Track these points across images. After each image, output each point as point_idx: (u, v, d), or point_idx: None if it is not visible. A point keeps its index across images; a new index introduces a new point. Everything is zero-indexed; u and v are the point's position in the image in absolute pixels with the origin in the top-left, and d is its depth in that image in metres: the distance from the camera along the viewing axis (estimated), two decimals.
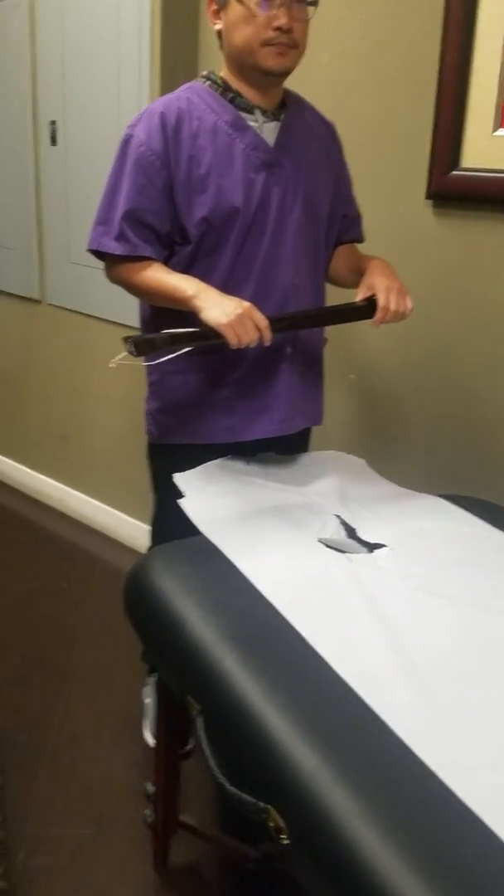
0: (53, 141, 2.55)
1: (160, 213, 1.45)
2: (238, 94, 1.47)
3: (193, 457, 1.59)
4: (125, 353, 1.38)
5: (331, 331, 1.71)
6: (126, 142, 1.46)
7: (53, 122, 2.53)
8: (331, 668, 1.04)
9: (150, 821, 1.53)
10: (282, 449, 1.68)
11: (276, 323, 1.41)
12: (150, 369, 1.64)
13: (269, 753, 0.94)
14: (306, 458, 1.72)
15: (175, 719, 1.42)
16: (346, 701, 0.98)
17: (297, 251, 1.53)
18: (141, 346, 1.40)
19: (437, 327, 1.93)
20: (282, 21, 1.36)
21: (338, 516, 1.46)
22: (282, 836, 0.91)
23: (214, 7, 1.44)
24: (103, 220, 1.48)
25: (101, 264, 1.55)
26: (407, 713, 0.97)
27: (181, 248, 1.49)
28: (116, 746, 1.85)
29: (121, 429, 2.62)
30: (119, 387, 2.58)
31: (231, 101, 1.47)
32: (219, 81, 1.49)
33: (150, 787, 1.50)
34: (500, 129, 1.74)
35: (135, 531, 2.67)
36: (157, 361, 1.43)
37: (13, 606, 2.39)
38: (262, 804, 0.94)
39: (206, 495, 1.50)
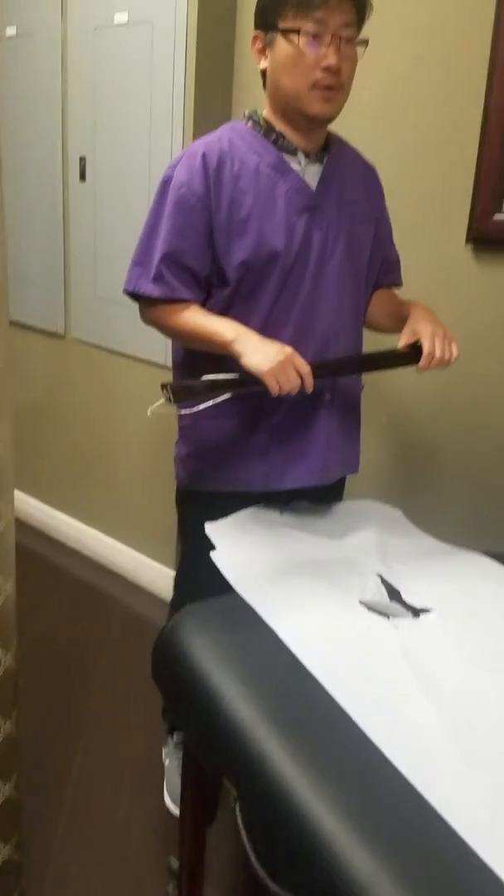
0: (83, 176, 2.53)
1: (200, 256, 1.40)
2: (281, 136, 1.43)
3: (224, 505, 1.52)
4: (162, 401, 1.32)
5: (366, 374, 1.64)
6: (166, 182, 1.41)
7: (83, 158, 2.51)
8: (385, 759, 0.95)
9: None
10: (316, 497, 1.61)
11: (318, 369, 1.35)
12: (182, 413, 1.58)
13: (320, 854, 0.85)
14: (342, 508, 1.64)
15: (203, 794, 1.33)
16: (403, 797, 0.90)
17: (338, 295, 1.47)
18: (179, 393, 1.34)
19: (476, 375, 1.86)
20: (331, 61, 1.32)
21: (379, 575, 1.38)
22: None
23: (260, 45, 1.39)
24: (141, 261, 1.43)
25: (127, 301, 1.49)
26: (472, 813, 0.88)
27: (219, 290, 1.43)
28: (135, 809, 1.75)
29: (144, 469, 2.56)
30: (143, 425, 2.53)
31: (274, 142, 1.43)
32: (261, 122, 1.44)
33: (175, 863, 1.40)
34: None
35: (155, 575, 2.59)
36: (194, 410, 1.37)
37: (31, 650, 2.31)
38: None
39: (238, 548, 1.43)
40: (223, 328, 1.35)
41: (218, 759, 1.06)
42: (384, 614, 1.27)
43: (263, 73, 1.43)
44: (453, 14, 1.75)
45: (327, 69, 1.32)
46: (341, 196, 1.47)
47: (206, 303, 1.44)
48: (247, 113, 1.46)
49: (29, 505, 3.09)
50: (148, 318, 1.48)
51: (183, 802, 1.37)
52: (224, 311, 1.42)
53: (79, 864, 1.61)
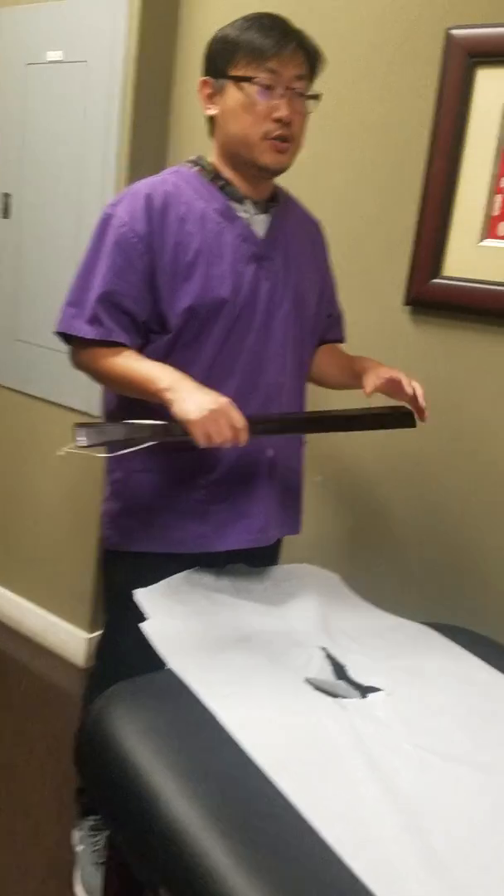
0: (5, 214, 2.41)
1: (138, 299, 1.31)
2: (228, 183, 1.37)
3: (156, 567, 1.41)
4: (73, 444, 1.20)
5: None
6: (105, 221, 1.33)
7: (7, 195, 2.40)
8: (342, 863, 0.86)
9: None
10: (252, 559, 1.52)
11: (257, 425, 1.26)
12: (112, 466, 1.47)
13: None
14: (279, 573, 1.56)
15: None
16: None
17: (285, 348, 1.42)
18: (92, 435, 1.22)
19: (413, 436, 1.83)
20: (283, 112, 1.29)
21: (323, 649, 1.30)
22: None
23: (209, 91, 1.35)
24: (75, 301, 1.33)
25: (51, 344, 1.39)
26: None
27: (158, 337, 1.35)
28: None
29: (61, 524, 2.40)
30: (64, 478, 2.38)
31: (221, 189, 1.37)
32: (208, 168, 1.38)
33: None
34: (488, 240, 1.70)
35: (68, 638, 2.42)
36: (118, 454, 1.25)
37: None
38: None
39: (172, 618, 1.32)
40: (157, 374, 1.26)
41: (155, 867, 0.94)
42: (331, 694, 1.18)
43: (210, 119, 1.38)
44: (401, 84, 1.76)
45: (279, 121, 1.29)
46: (288, 248, 1.43)
47: (144, 350, 1.36)
48: (193, 158, 1.41)
49: None
50: (79, 362, 1.38)
51: None
52: (163, 358, 1.34)
53: None
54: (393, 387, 1.36)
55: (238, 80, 1.28)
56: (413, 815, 0.95)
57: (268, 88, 1.28)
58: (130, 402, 1.35)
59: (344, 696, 1.19)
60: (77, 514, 2.32)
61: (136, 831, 0.97)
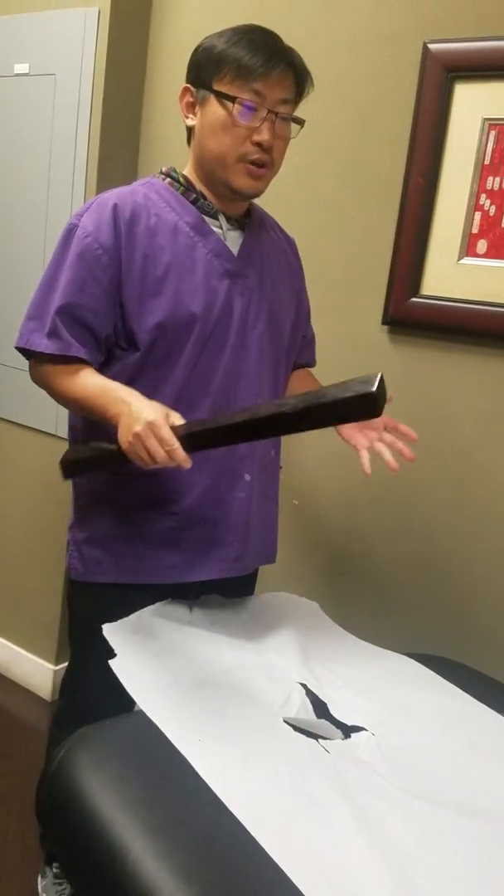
0: None
1: (100, 313, 1.24)
2: (202, 196, 1.31)
3: (125, 599, 1.33)
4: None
5: (282, 456, 1.52)
6: (70, 231, 1.26)
7: None
8: None
9: None
10: (228, 589, 1.44)
11: (195, 438, 1.11)
12: (78, 491, 1.39)
13: None
14: (256, 603, 1.49)
15: None
16: None
17: (260, 368, 1.35)
18: (68, 470, 1.22)
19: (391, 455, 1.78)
20: (264, 136, 1.23)
21: (302, 685, 1.23)
22: None
23: (190, 100, 1.29)
24: (36, 314, 1.26)
25: (14, 362, 1.32)
26: None
27: (127, 355, 1.28)
28: None
29: (26, 550, 2.31)
30: (29, 501, 2.29)
31: (193, 202, 1.31)
32: (181, 180, 1.33)
33: None
34: (466, 258, 1.66)
35: (33, 669, 2.32)
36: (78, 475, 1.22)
37: None
38: None
39: (142, 654, 1.24)
40: (107, 402, 1.19)
41: None
42: (312, 735, 1.11)
43: (190, 130, 1.32)
44: (378, 99, 1.73)
45: (258, 144, 1.24)
46: (264, 265, 1.38)
47: (111, 368, 1.29)
48: (164, 169, 1.35)
49: None
50: (37, 378, 1.31)
51: None
52: (131, 379, 1.27)
53: None
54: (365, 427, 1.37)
55: (221, 96, 1.23)
56: (403, 870, 0.88)
57: (251, 110, 1.22)
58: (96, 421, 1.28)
59: (326, 737, 1.12)
60: (43, 541, 2.23)
61: (101, 893, 0.89)
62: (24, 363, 1.33)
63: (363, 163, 1.77)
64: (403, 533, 1.80)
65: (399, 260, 1.73)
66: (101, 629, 1.27)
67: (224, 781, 0.97)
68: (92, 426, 1.30)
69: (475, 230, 1.64)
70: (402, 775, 1.05)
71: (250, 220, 1.38)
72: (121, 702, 1.14)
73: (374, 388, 1.02)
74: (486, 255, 1.64)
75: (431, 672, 1.34)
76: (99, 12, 1.94)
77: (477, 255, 1.65)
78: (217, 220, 1.32)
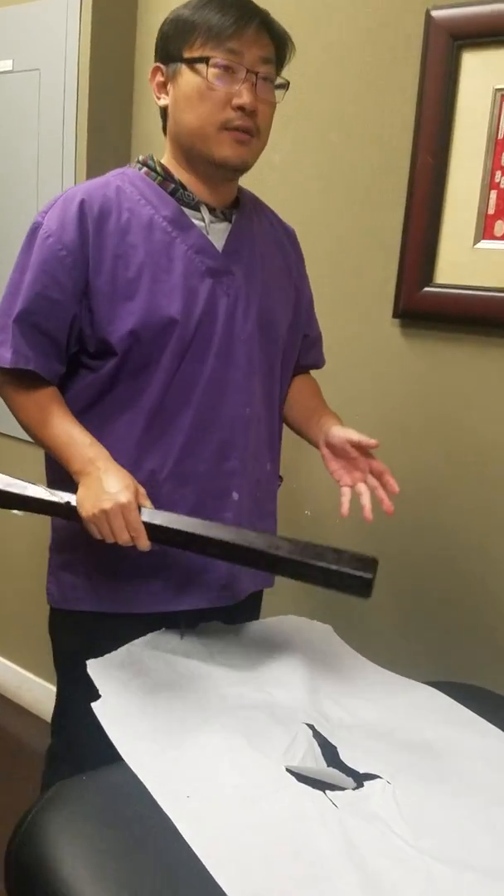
0: None
1: (63, 322, 1.13)
2: (181, 186, 1.19)
3: (111, 630, 1.22)
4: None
5: (284, 462, 1.39)
6: (33, 231, 1.15)
7: None
8: None
9: None
10: (230, 614, 1.31)
11: (160, 531, 1.07)
12: None
13: None
14: (259, 629, 1.36)
15: None
16: None
17: (250, 376, 1.22)
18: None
19: (407, 458, 1.63)
20: (245, 99, 1.11)
21: (310, 726, 1.09)
22: None
23: (161, 79, 1.17)
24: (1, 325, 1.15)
25: None
26: None
27: (100, 365, 1.16)
28: None
29: (30, 571, 2.20)
30: (28, 521, 2.18)
31: (172, 193, 1.19)
32: (158, 169, 1.21)
33: None
34: (483, 242, 1.51)
35: (42, 695, 2.21)
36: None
37: None
38: None
39: (129, 694, 1.12)
40: (72, 454, 1.12)
41: None
42: (319, 785, 0.98)
43: (163, 111, 1.20)
44: (378, 73, 1.59)
45: (240, 109, 1.11)
46: (254, 261, 1.25)
47: (82, 380, 1.18)
48: (141, 158, 1.23)
49: None
50: (1, 392, 1.21)
51: None
52: (106, 390, 1.16)
53: None
54: (348, 453, 1.22)
55: (193, 62, 1.11)
56: None
57: (227, 71, 1.10)
58: None
59: (335, 787, 0.98)
60: (40, 562, 2.12)
61: None
62: None
63: (366, 143, 1.63)
64: (426, 543, 1.65)
65: (409, 247, 1.59)
66: (85, 664, 1.15)
67: (213, 847, 0.85)
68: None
69: (491, 210, 1.50)
70: (421, 833, 0.91)
71: (239, 211, 1.26)
72: (108, 748, 1.01)
73: (372, 576, 1.04)
74: None
75: (461, 706, 1.19)
76: (81, 0, 1.83)
77: (494, 238, 1.50)
78: (199, 212, 1.20)
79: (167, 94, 1.17)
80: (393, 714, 1.15)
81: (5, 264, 2.18)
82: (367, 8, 1.58)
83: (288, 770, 0.99)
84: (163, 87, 1.17)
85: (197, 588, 1.22)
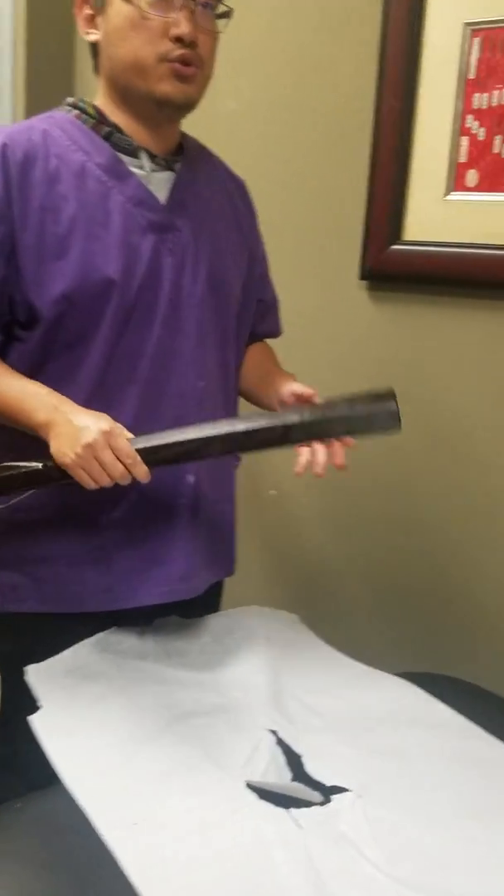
0: None
1: None
2: (117, 130, 1.06)
3: (57, 632, 1.11)
4: None
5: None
6: None
7: None
8: None
9: None
10: (189, 607, 1.20)
11: (154, 452, 0.96)
12: None
13: None
14: (221, 623, 1.25)
15: None
16: None
17: (200, 346, 1.10)
18: None
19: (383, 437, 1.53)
20: (183, 29, 0.98)
21: (273, 733, 0.99)
22: None
23: (89, 11, 1.04)
24: None
25: None
26: None
27: (31, 335, 1.04)
28: None
29: None
30: None
31: (107, 137, 1.06)
32: (91, 111, 1.07)
33: None
34: (454, 193, 1.39)
35: None
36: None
37: None
38: None
39: (73, 704, 1.01)
40: (31, 406, 0.99)
41: None
42: (283, 802, 0.88)
43: (95, 47, 1.07)
44: (339, 6, 1.45)
45: (179, 40, 0.98)
46: (201, 214, 1.12)
47: (11, 353, 1.05)
48: (70, 100, 1.09)
49: None
50: None
51: None
52: (39, 364, 1.04)
53: None
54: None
55: None
56: None
57: None
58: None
59: (299, 804, 0.88)
60: None
61: None
62: None
63: (324, 87, 1.49)
64: (399, 524, 1.55)
65: (375, 201, 1.46)
66: (23, 669, 1.04)
67: (161, 886, 0.74)
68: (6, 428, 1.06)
69: (463, 158, 1.38)
70: (395, 855, 0.82)
71: (183, 158, 1.12)
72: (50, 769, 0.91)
73: (396, 406, 1.00)
74: (478, 189, 1.37)
75: (437, 702, 1.09)
76: None
77: (466, 189, 1.38)
78: (138, 158, 1.07)
79: (96, 27, 1.04)
80: (364, 713, 1.06)
81: None
82: None
83: (248, 786, 0.89)
84: (91, 20, 1.04)
85: (150, 583, 1.10)
